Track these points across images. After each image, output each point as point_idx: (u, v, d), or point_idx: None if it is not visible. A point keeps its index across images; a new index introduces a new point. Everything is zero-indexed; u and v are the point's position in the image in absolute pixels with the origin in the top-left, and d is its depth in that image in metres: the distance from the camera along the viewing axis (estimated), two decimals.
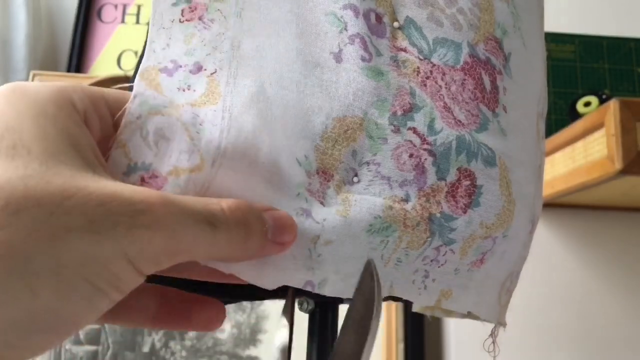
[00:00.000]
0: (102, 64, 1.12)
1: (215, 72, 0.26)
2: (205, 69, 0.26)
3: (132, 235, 0.19)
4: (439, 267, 0.29)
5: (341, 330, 0.23)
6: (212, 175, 0.24)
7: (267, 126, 0.25)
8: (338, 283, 0.27)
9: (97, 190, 0.19)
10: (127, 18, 1.16)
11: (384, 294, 0.28)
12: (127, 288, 0.20)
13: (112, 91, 0.25)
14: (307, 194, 0.26)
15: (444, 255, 0.29)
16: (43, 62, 1.11)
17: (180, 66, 0.26)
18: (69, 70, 1.09)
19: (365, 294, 0.23)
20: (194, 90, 0.26)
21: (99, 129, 0.23)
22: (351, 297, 0.25)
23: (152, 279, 0.26)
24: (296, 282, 0.26)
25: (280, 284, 0.26)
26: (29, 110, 0.20)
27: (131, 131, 0.24)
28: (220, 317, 0.26)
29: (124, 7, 1.17)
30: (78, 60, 1.11)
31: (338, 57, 0.28)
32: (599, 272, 0.96)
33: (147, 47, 0.27)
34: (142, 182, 0.24)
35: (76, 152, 0.20)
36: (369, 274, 0.23)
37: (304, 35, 0.28)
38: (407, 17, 0.30)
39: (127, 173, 0.24)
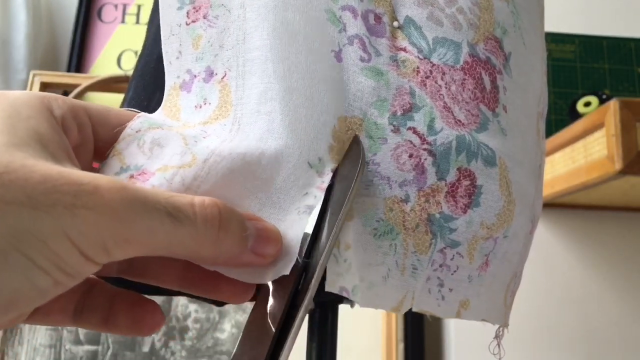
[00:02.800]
0: (102, 64, 1.12)
1: (225, 75, 0.26)
2: (216, 74, 0.27)
3: (73, 215, 0.18)
4: (451, 274, 0.29)
5: (333, 185, 0.26)
6: (205, 172, 0.24)
7: (276, 131, 0.25)
8: (365, 292, 0.27)
9: (44, 169, 0.19)
10: (127, 18, 1.16)
11: (407, 306, 0.28)
12: (75, 272, 0.19)
13: (96, 105, 0.25)
14: (317, 191, 0.26)
15: (452, 259, 0.28)
16: (43, 62, 1.11)
17: (195, 76, 0.27)
18: (69, 70, 1.09)
19: (352, 157, 0.26)
20: (209, 104, 0.26)
21: (77, 135, 0.24)
22: (377, 307, 0.27)
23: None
24: (333, 287, 0.26)
25: (276, 276, 0.25)
26: (4, 111, 0.21)
27: (128, 142, 0.25)
28: (158, 320, 0.25)
29: (124, 7, 1.17)
30: (78, 60, 1.11)
31: (338, 56, 0.28)
32: (599, 272, 0.96)
33: (164, 59, 0.28)
34: (131, 178, 0.24)
35: (42, 147, 0.20)
36: (355, 142, 0.27)
37: (307, 27, 0.27)
38: (407, 16, 0.30)
39: (118, 173, 0.24)
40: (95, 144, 0.25)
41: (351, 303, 0.42)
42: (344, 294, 0.26)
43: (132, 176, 0.24)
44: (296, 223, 0.25)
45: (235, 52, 0.27)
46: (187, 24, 0.28)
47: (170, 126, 0.25)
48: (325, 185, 0.26)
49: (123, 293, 0.25)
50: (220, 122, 0.26)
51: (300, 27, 0.27)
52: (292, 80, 0.26)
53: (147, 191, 0.20)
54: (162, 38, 0.27)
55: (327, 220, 0.25)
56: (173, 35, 0.28)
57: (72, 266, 0.19)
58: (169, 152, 0.24)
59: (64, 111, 0.23)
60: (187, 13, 0.28)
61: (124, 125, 0.25)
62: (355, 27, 0.28)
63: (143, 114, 0.25)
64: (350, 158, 0.26)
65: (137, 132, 0.25)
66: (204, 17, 0.27)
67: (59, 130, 0.22)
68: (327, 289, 0.25)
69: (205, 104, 0.26)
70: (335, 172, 0.26)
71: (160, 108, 0.27)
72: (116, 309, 0.25)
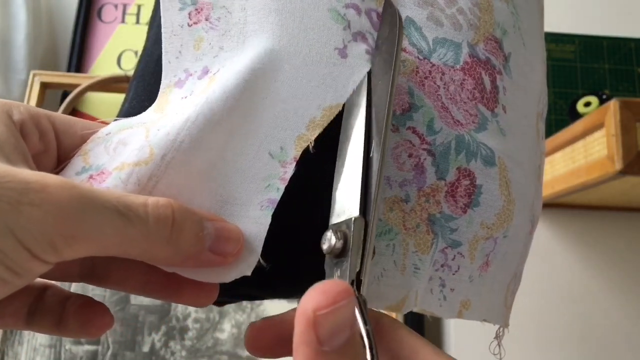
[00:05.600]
0: (102, 64, 1.12)
1: (219, 71, 0.26)
2: (210, 71, 0.27)
3: (18, 211, 0.18)
4: (453, 274, 0.29)
5: (376, 49, 0.27)
6: (162, 170, 0.24)
7: (246, 117, 0.25)
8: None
9: None
10: (127, 18, 1.16)
11: (410, 306, 0.28)
12: (23, 271, 0.19)
13: (61, 115, 0.26)
14: (279, 183, 0.25)
15: (453, 259, 0.28)
16: (43, 62, 1.11)
17: (191, 75, 0.27)
18: (69, 70, 1.09)
19: (389, 18, 0.27)
20: (193, 92, 0.26)
21: (39, 141, 0.24)
22: (369, 306, 0.26)
23: None
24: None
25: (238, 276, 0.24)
26: None
27: (97, 143, 0.25)
28: (107, 322, 0.25)
29: (124, 7, 1.17)
30: (78, 60, 1.11)
31: (343, 53, 0.27)
32: (599, 272, 0.96)
33: (163, 58, 0.28)
34: (90, 179, 0.24)
35: None
36: (388, 4, 0.27)
37: (307, 29, 0.27)
38: (408, 17, 0.30)
39: (79, 172, 0.24)
40: (59, 152, 0.25)
41: None
42: None
43: (91, 176, 0.24)
44: (259, 220, 0.25)
45: (233, 55, 0.27)
46: (189, 25, 0.28)
47: (143, 122, 0.25)
48: (288, 175, 0.25)
49: (74, 296, 0.25)
50: (194, 102, 0.25)
51: (300, 30, 0.27)
52: (282, 80, 0.26)
53: (98, 190, 0.20)
54: (163, 38, 0.27)
55: (377, 87, 0.26)
56: (174, 35, 0.28)
57: (18, 264, 0.19)
58: (129, 148, 0.24)
59: (24, 117, 0.23)
60: (189, 14, 0.28)
61: (91, 130, 0.25)
62: (359, 23, 0.28)
63: (121, 119, 0.26)
64: (387, 20, 0.26)
65: (107, 134, 0.25)
66: (206, 19, 0.28)
67: (16, 134, 0.22)
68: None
69: (191, 95, 0.26)
70: (377, 37, 0.28)
71: (152, 106, 0.27)
72: (67, 312, 0.25)
